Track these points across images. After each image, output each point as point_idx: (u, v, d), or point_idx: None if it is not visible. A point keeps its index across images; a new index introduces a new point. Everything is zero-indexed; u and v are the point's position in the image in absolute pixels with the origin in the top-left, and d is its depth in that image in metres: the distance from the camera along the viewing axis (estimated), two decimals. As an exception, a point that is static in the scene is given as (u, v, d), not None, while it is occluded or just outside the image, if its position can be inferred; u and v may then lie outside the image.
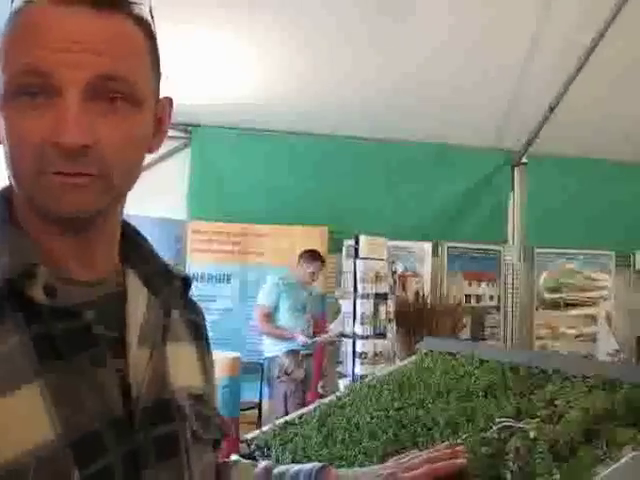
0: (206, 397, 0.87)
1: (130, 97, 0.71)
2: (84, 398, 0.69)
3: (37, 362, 0.67)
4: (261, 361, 5.02)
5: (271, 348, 4.86)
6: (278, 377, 4.76)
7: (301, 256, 4.95)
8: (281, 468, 0.97)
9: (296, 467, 0.96)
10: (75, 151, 0.67)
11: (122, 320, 0.76)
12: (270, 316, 4.87)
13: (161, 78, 0.79)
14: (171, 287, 0.84)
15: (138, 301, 0.79)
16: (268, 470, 0.97)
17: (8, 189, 0.77)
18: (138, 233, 0.86)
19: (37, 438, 0.65)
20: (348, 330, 4.42)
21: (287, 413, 1.59)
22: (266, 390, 5.05)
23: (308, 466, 0.95)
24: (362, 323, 4.32)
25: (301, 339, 4.78)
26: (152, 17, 0.76)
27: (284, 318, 4.87)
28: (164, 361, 0.79)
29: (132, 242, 0.84)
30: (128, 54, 0.71)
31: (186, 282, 0.89)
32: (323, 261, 4.98)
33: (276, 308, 4.88)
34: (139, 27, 0.73)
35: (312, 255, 4.95)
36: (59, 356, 0.69)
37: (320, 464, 0.96)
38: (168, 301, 0.82)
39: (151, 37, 0.75)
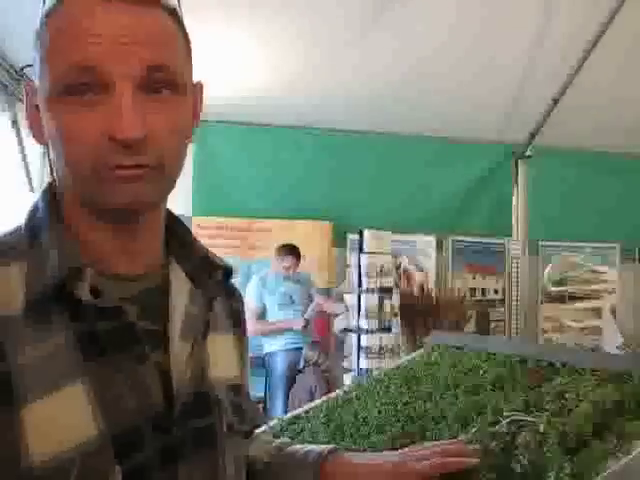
0: (241, 386, 0.87)
1: (175, 86, 0.72)
2: (126, 395, 0.70)
3: (82, 360, 0.69)
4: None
5: (270, 343, 4.79)
6: (302, 369, 4.68)
7: (277, 250, 4.88)
8: (295, 447, 0.98)
9: (309, 447, 0.97)
10: (134, 144, 0.68)
11: (165, 313, 0.77)
12: (261, 316, 4.80)
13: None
14: (213, 279, 0.84)
15: (181, 295, 0.79)
16: (281, 448, 0.98)
17: (51, 186, 0.77)
18: (180, 222, 0.86)
19: (81, 435, 0.66)
20: (353, 324, 4.42)
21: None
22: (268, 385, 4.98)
23: (320, 447, 0.96)
24: (367, 317, 4.32)
25: (297, 324, 4.72)
26: (179, 3, 0.77)
27: (274, 314, 4.80)
28: (205, 354, 0.80)
29: (176, 234, 0.84)
30: (168, 43, 0.72)
31: (227, 270, 0.88)
32: (299, 256, 4.87)
33: (264, 306, 4.81)
34: (171, 17, 0.74)
35: (286, 250, 4.86)
36: (102, 354, 0.70)
37: (331, 446, 0.96)
38: (211, 294, 0.82)
39: (182, 25, 0.76)
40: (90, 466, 0.66)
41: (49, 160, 0.76)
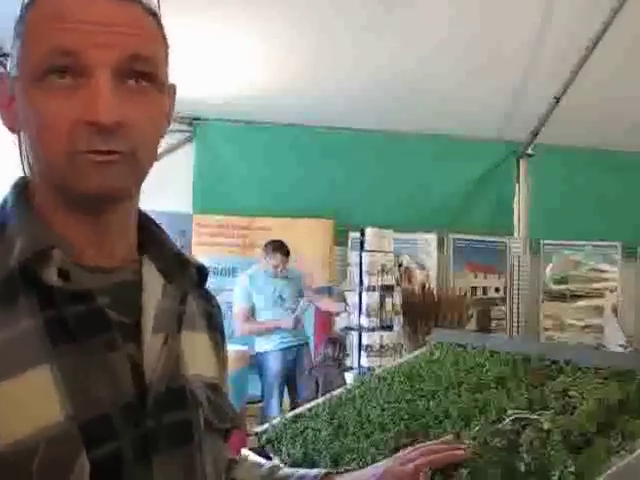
0: (220, 387, 0.87)
1: (154, 79, 0.74)
2: (95, 381, 0.69)
3: (49, 344, 0.68)
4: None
5: (262, 343, 4.69)
6: (316, 366, 4.56)
7: (265, 247, 4.71)
8: (286, 471, 0.98)
9: (301, 471, 0.97)
10: (110, 128, 0.69)
11: (137, 307, 0.77)
12: (250, 314, 4.67)
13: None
14: (186, 275, 0.84)
15: (154, 289, 0.79)
16: (273, 471, 0.98)
17: (23, 178, 0.78)
18: (154, 222, 0.86)
19: (46, 419, 0.66)
20: (354, 323, 4.42)
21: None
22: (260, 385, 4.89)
23: (313, 471, 0.96)
24: (368, 315, 4.32)
25: (285, 323, 4.61)
26: (159, 7, 0.80)
27: (264, 313, 4.67)
28: (178, 348, 0.79)
29: (148, 231, 0.84)
30: (150, 37, 0.74)
31: (201, 271, 0.88)
32: (287, 253, 4.70)
33: (253, 307, 4.67)
34: (152, 17, 0.76)
35: (274, 246, 4.68)
36: (71, 339, 0.69)
37: (324, 470, 0.97)
38: (184, 289, 0.82)
39: (162, 27, 0.78)
40: (55, 452, 0.65)
41: (20, 149, 0.77)
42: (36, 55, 0.70)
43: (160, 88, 0.75)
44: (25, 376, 0.66)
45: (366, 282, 4.32)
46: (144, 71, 0.72)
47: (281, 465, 1.02)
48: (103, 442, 0.68)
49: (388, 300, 4.36)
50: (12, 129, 0.76)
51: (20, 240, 0.71)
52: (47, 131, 0.70)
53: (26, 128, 0.73)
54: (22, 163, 0.76)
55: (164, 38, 0.78)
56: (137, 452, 0.70)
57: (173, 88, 0.82)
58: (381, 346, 4.33)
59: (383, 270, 4.34)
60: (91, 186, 0.70)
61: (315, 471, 0.96)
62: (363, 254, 4.32)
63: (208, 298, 0.93)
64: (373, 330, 4.32)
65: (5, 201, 0.77)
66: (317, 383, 4.46)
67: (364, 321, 4.30)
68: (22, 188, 0.77)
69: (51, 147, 0.71)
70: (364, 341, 4.30)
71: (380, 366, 3.75)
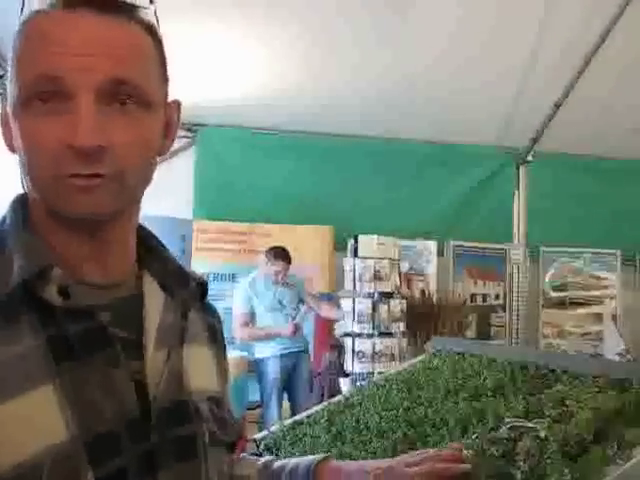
0: (223, 400, 0.87)
1: (140, 100, 0.72)
2: (99, 399, 0.69)
3: (52, 363, 0.68)
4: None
5: (261, 349, 4.64)
6: (320, 374, 4.51)
7: (267, 253, 4.66)
8: (283, 461, 0.98)
9: (297, 459, 0.97)
10: (90, 152, 0.68)
11: (139, 322, 0.77)
12: (249, 322, 4.63)
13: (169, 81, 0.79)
14: (187, 289, 0.84)
15: (155, 303, 0.79)
16: (268, 465, 0.98)
17: (24, 195, 0.78)
18: (153, 236, 0.86)
19: (51, 438, 0.65)
20: (349, 329, 4.42)
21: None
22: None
23: (309, 458, 0.96)
24: (359, 322, 4.32)
25: (284, 331, 4.54)
26: (157, 20, 0.77)
27: (264, 319, 4.62)
28: (181, 363, 0.79)
29: (148, 245, 0.84)
30: (137, 58, 0.72)
31: (202, 285, 0.88)
32: (289, 261, 4.63)
33: (253, 312, 4.63)
34: (146, 32, 0.74)
35: (277, 253, 4.62)
36: (73, 357, 0.69)
37: (321, 455, 0.96)
38: (185, 303, 0.82)
39: (158, 41, 0.76)
40: (61, 472, 0.65)
41: (20, 168, 0.77)
42: (23, 80, 0.70)
43: (150, 108, 0.74)
44: (29, 395, 0.66)
45: (358, 288, 4.32)
46: (130, 93, 0.71)
47: (276, 458, 1.02)
48: (108, 459, 0.68)
49: (383, 307, 4.36)
50: (10, 147, 0.76)
51: (19, 258, 0.71)
52: (33, 155, 0.70)
53: (18, 149, 0.73)
54: (22, 181, 0.76)
55: (160, 54, 0.77)
56: (142, 468, 0.70)
57: (177, 103, 0.81)
58: (374, 352, 4.33)
59: (377, 276, 4.34)
60: (76, 210, 0.70)
61: (310, 458, 0.96)
62: (356, 260, 4.33)
63: (209, 311, 0.93)
64: (371, 336, 4.33)
65: (4, 218, 0.77)
66: (323, 392, 4.45)
67: (356, 327, 4.31)
68: (21, 205, 0.77)
69: (38, 171, 0.71)
70: (356, 347, 4.31)
71: (375, 372, 3.75)
